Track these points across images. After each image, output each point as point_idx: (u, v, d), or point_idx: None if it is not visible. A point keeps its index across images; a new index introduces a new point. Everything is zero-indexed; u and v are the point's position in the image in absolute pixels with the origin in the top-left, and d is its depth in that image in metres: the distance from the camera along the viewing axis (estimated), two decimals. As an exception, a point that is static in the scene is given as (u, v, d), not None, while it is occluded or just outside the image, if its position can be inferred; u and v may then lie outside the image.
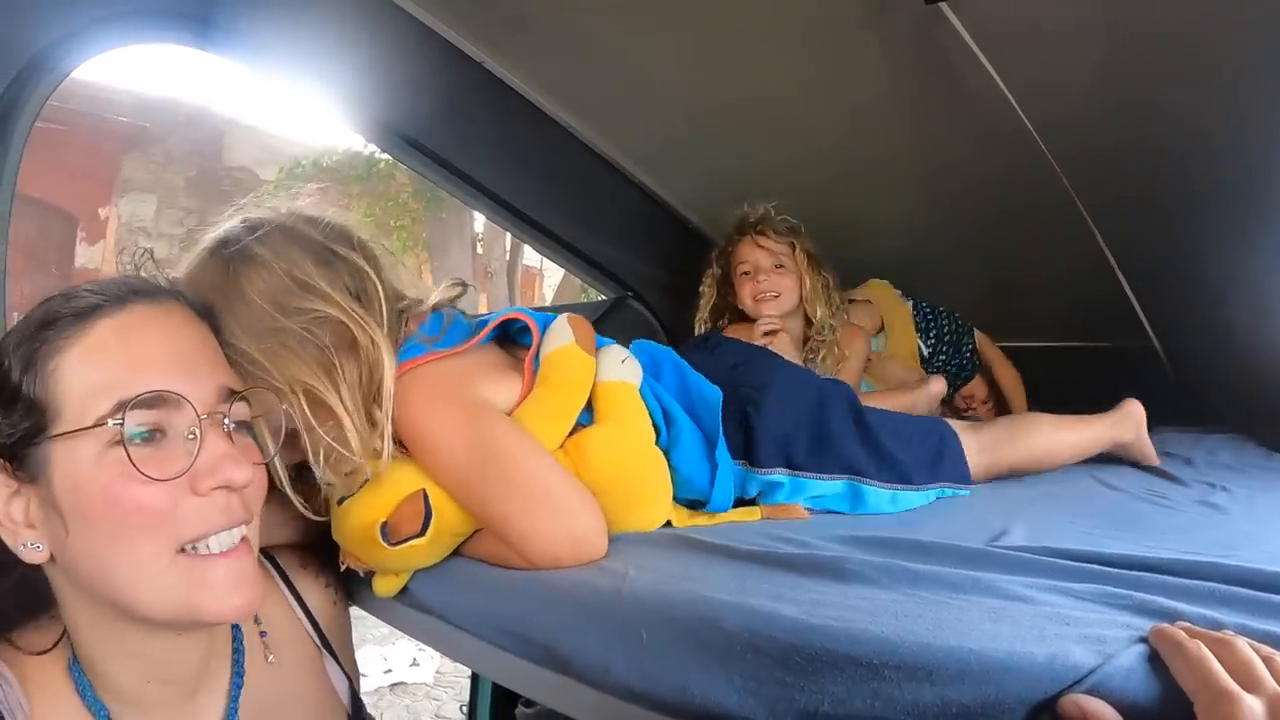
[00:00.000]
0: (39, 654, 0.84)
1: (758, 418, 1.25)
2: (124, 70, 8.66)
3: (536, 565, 0.96)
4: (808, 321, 2.07)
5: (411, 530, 0.97)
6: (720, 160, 2.18)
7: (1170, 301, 2.21)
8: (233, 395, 0.85)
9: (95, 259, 9.05)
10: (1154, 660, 0.62)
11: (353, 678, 1.12)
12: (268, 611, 1.03)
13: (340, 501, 1.01)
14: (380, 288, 1.05)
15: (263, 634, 1.01)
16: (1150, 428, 1.96)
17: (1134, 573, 0.83)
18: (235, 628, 0.98)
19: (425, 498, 0.99)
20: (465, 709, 2.93)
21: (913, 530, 1.01)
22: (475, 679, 2.73)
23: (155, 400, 0.79)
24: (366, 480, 0.99)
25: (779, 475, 1.23)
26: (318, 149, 8.89)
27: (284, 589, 1.08)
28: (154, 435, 0.79)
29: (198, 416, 0.81)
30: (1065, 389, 2.24)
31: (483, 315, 1.15)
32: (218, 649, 0.94)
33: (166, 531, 0.79)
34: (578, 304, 3.59)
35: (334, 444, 0.96)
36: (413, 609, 1.13)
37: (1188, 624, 0.66)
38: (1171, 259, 2.02)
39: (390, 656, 4.79)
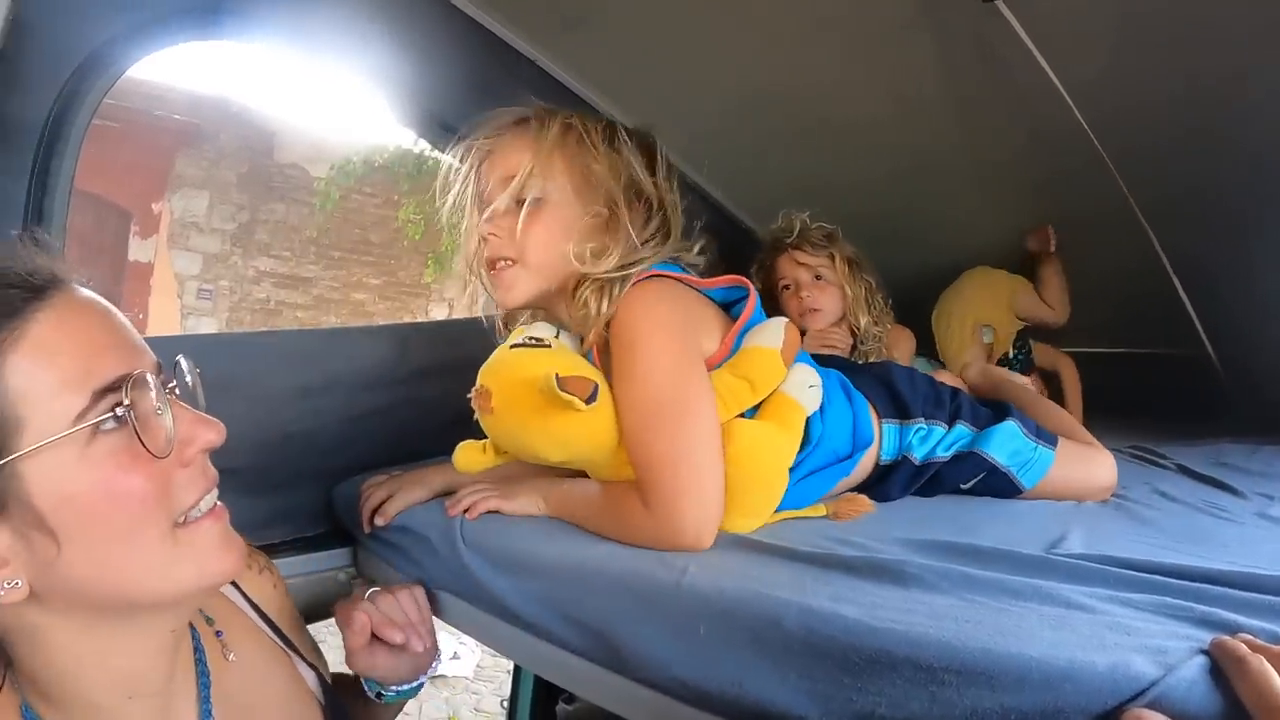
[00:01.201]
0: None
1: (897, 382, 1.37)
2: (177, 69, 8.77)
3: (654, 524, 1.00)
4: (851, 330, 2.03)
5: (579, 393, 1.01)
6: (772, 158, 2.16)
7: (1225, 308, 2.18)
8: (160, 367, 0.82)
9: (148, 253, 9.20)
10: (1215, 673, 0.61)
11: (317, 664, 1.08)
12: (217, 611, 1.00)
13: (514, 348, 1.14)
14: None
15: (218, 633, 0.97)
16: (1205, 437, 1.93)
17: (1194, 584, 0.82)
18: (192, 629, 0.94)
19: (596, 385, 1.04)
20: (505, 704, 2.94)
21: (970, 535, 1.00)
22: (517, 675, 2.74)
23: (129, 382, 0.74)
24: (548, 347, 1.13)
25: (921, 424, 1.33)
26: (368, 147, 8.95)
27: (229, 587, 1.04)
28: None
29: (162, 389, 0.78)
30: (1115, 396, 2.21)
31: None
32: (183, 649, 0.90)
33: (163, 510, 0.77)
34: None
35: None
36: (463, 600, 1.15)
37: (1249, 637, 0.65)
38: (1227, 264, 1.99)
39: (432, 649, 4.82)
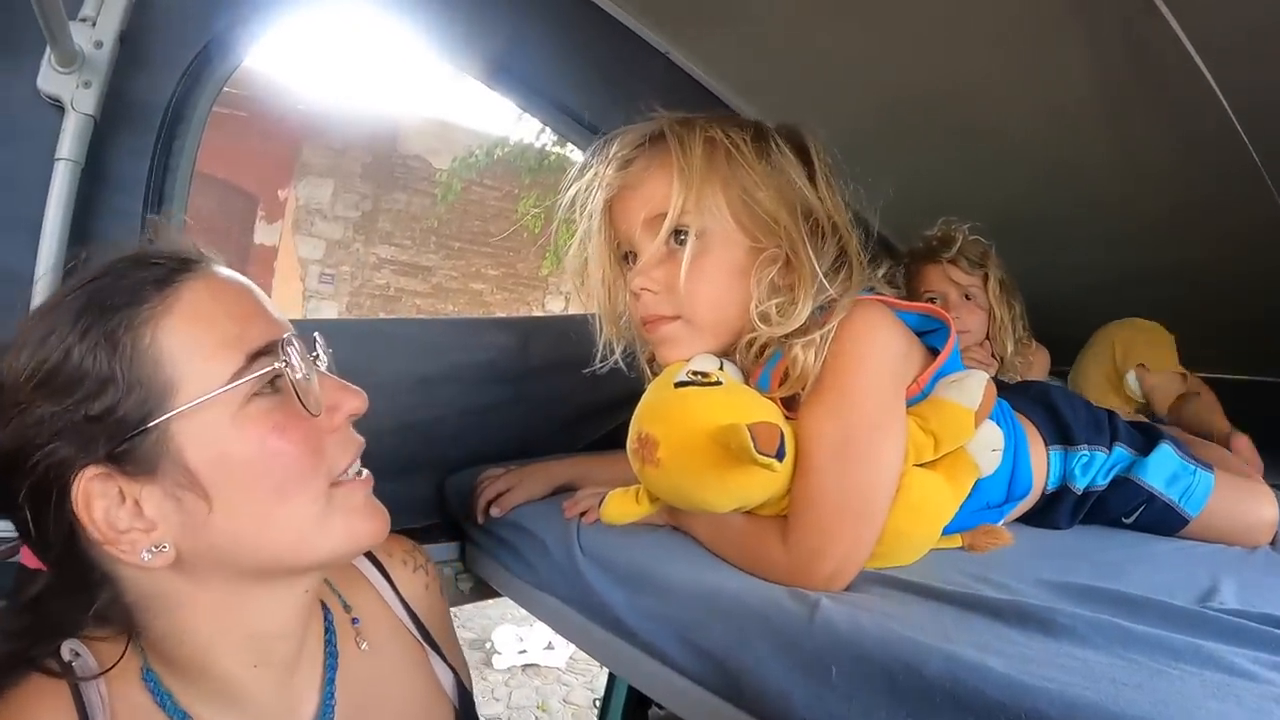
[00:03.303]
0: (110, 669, 0.77)
1: (1059, 406, 1.31)
2: (303, 59, 9.10)
3: (787, 563, 0.93)
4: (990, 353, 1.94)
5: (770, 448, 0.88)
6: (907, 159, 2.04)
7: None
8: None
9: (274, 237, 9.53)
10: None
11: (458, 669, 1.07)
12: (359, 599, 1.01)
13: (680, 385, 0.99)
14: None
15: (354, 620, 0.98)
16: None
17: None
18: (327, 613, 0.96)
19: (782, 434, 0.91)
20: (598, 702, 2.95)
21: (1115, 579, 0.94)
22: (613, 674, 2.73)
23: (279, 346, 0.77)
24: (718, 384, 0.99)
25: (1084, 450, 1.26)
26: (491, 139, 9.06)
27: (376, 576, 1.06)
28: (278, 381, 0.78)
29: (308, 355, 0.81)
30: (1257, 428, 2.08)
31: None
32: (313, 629, 0.92)
33: (320, 472, 0.79)
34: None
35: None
36: (571, 607, 1.13)
37: None
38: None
39: (526, 637, 4.90)
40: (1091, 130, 1.77)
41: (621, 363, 1.17)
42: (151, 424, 0.71)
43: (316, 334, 0.87)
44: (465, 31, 1.57)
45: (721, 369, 1.02)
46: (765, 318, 1.00)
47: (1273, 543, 1.25)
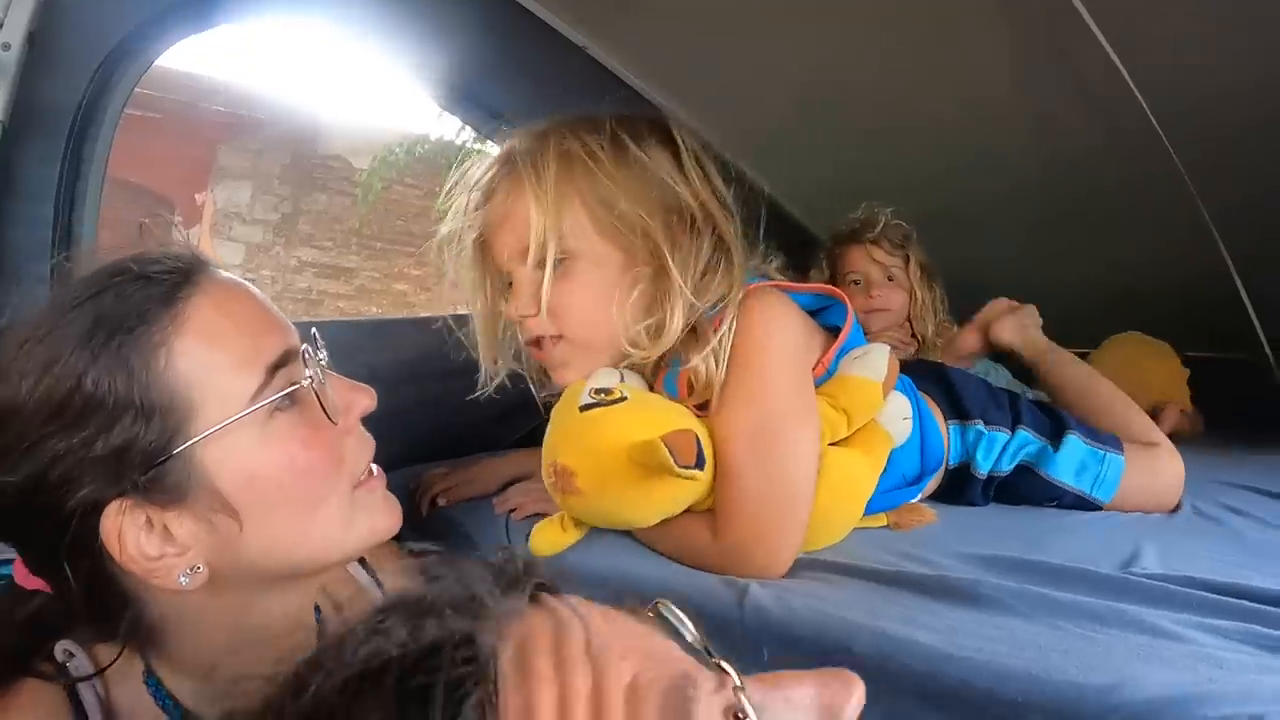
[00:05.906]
0: (105, 669, 0.75)
1: (954, 382, 1.33)
2: (221, 61, 8.89)
3: (718, 555, 0.93)
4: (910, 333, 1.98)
5: (688, 458, 0.87)
6: (829, 151, 2.08)
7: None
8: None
9: (191, 242, 9.31)
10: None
11: None
12: (344, 597, 0.99)
13: (585, 409, 0.96)
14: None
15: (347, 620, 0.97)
16: (1264, 448, 1.85)
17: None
18: (317, 611, 0.92)
19: (698, 440, 0.90)
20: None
21: (1038, 551, 0.95)
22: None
23: (294, 355, 0.75)
24: (623, 399, 0.96)
25: (979, 426, 1.27)
26: (411, 137, 8.94)
27: (363, 575, 1.05)
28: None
29: (318, 360, 0.78)
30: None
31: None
32: (307, 625, 0.89)
33: (344, 477, 0.78)
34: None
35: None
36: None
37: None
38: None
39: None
40: (1011, 120, 1.82)
41: (508, 381, 1.18)
42: (176, 451, 0.69)
43: (314, 330, 0.84)
44: (386, 30, 1.54)
45: (623, 381, 1.00)
46: (636, 342, 0.99)
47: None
